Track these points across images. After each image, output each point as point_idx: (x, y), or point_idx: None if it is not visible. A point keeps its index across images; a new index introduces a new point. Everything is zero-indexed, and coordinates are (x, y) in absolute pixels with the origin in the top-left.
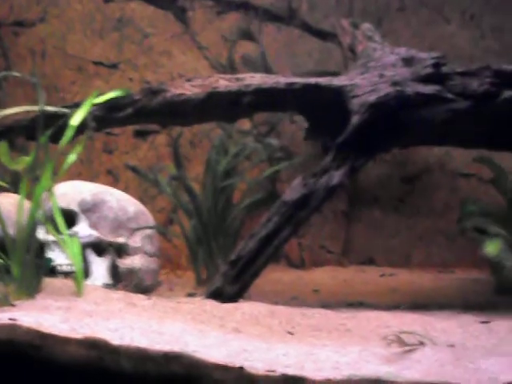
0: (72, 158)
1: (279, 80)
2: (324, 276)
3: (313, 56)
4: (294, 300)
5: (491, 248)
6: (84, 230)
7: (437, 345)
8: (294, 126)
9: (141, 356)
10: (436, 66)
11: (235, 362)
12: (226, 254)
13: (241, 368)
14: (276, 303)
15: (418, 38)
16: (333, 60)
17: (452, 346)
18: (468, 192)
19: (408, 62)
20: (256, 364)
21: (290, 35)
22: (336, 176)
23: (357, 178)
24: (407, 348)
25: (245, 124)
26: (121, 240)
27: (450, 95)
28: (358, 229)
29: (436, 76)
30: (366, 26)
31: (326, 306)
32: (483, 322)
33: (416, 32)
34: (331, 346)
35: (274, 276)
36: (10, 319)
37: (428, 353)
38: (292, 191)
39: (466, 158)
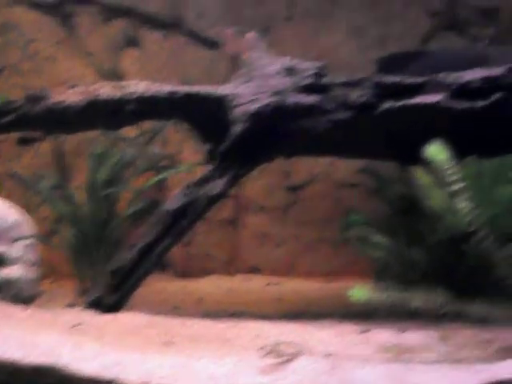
0: None
1: (162, 88)
2: (209, 285)
3: (199, 64)
4: (177, 310)
5: (359, 294)
6: None
7: (314, 355)
8: (180, 134)
9: (12, 369)
10: (317, 76)
11: (109, 374)
12: (107, 263)
13: (112, 381)
14: (157, 313)
15: (305, 47)
16: (220, 68)
17: (329, 355)
18: (353, 202)
19: (290, 71)
20: (130, 376)
21: (177, 43)
22: (218, 185)
23: (243, 186)
24: (284, 358)
25: (131, 132)
26: None
27: (329, 106)
28: (244, 238)
29: (317, 86)
30: (251, 34)
31: (208, 315)
32: (363, 331)
33: (303, 41)
34: (208, 357)
35: (159, 285)
36: None
37: (304, 363)
38: (173, 200)
39: (351, 169)
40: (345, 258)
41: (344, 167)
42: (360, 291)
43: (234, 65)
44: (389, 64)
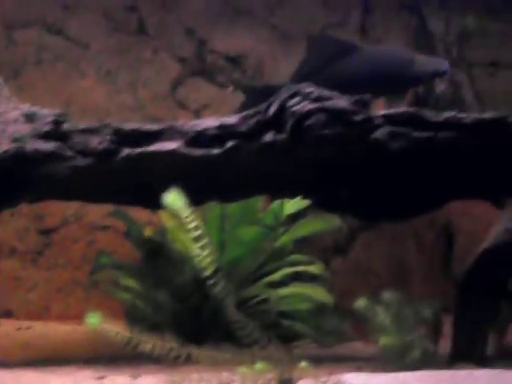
0: None
1: None
2: None
3: None
4: None
5: (92, 320)
6: None
7: None
8: None
9: None
10: (56, 123)
11: None
12: None
13: None
14: None
15: (54, 91)
16: None
17: None
18: (105, 244)
19: (30, 118)
20: None
21: None
22: None
23: None
24: None
25: None
26: None
27: (69, 153)
28: None
29: (56, 133)
30: None
31: None
32: (99, 378)
33: (53, 86)
34: None
35: None
36: None
37: None
38: None
39: (103, 211)
40: (97, 301)
41: (95, 209)
42: (92, 319)
43: None
44: (319, 46)
